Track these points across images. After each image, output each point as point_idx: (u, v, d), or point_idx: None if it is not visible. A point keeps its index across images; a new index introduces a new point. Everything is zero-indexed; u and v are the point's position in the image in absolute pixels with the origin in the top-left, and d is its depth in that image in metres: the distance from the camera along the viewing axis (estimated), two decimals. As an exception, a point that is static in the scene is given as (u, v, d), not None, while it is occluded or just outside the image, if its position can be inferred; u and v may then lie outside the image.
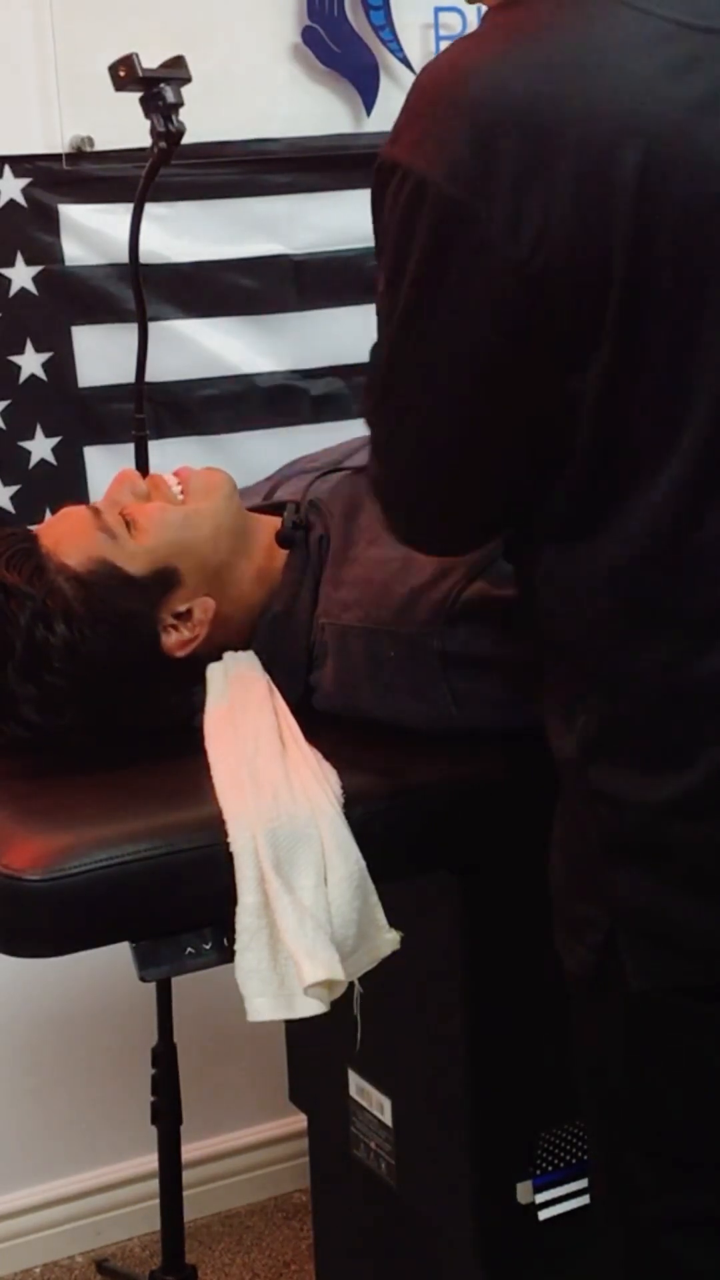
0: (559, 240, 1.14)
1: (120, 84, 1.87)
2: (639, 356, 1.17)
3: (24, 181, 2.18)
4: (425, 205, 1.17)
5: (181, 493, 1.71)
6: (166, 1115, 2.04)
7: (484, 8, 1.28)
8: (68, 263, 2.22)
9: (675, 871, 1.27)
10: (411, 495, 1.33)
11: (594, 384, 1.18)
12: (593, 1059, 1.40)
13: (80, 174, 2.20)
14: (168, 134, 1.86)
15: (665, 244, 1.15)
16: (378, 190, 1.23)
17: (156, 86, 1.85)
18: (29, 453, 2.24)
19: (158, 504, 1.69)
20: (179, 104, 1.86)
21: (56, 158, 2.19)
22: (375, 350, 1.29)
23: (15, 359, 2.22)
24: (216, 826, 1.48)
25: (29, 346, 2.22)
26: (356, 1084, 1.87)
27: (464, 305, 1.18)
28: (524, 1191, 1.71)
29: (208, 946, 1.49)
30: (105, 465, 2.24)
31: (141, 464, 2.00)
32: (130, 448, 2.02)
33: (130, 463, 2.00)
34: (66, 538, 1.66)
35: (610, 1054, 1.37)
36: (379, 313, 1.27)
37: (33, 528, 1.75)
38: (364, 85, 2.35)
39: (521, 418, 1.22)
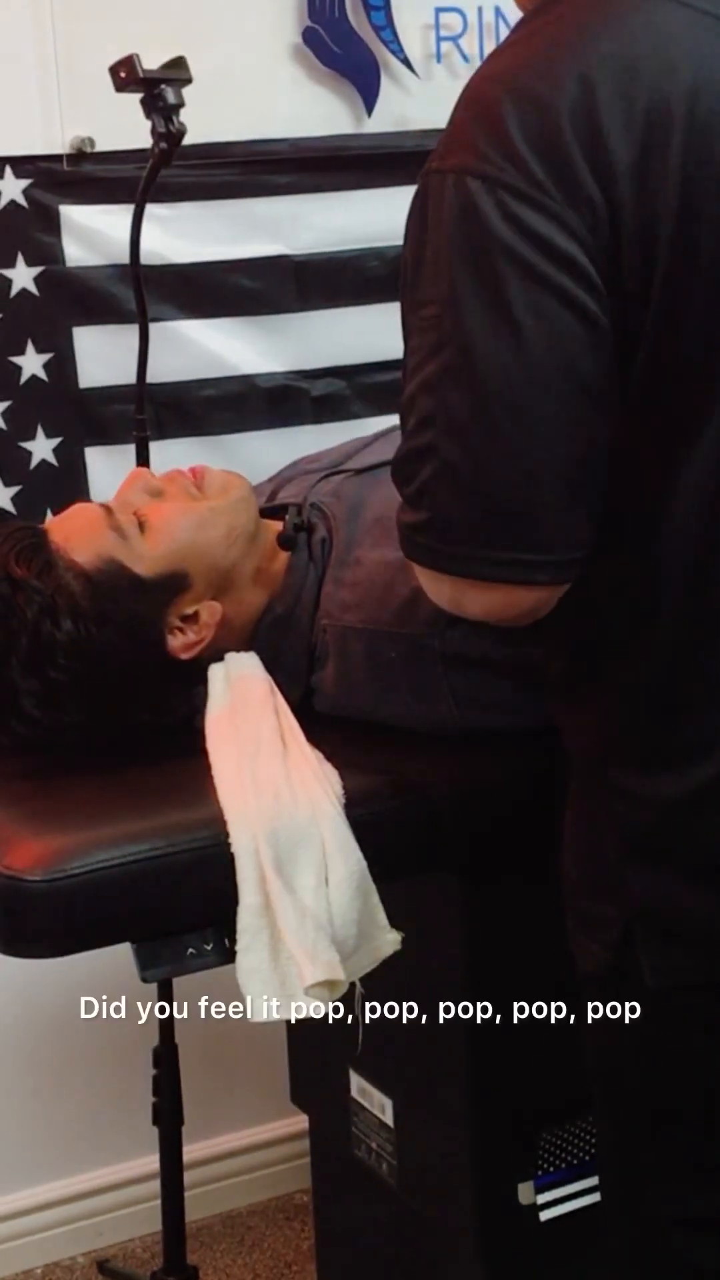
0: (621, 215, 1.15)
1: (121, 85, 1.87)
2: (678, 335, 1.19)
3: (25, 182, 2.18)
4: (488, 196, 1.16)
5: (197, 488, 1.71)
6: (168, 1116, 2.04)
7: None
8: (69, 263, 2.22)
9: (694, 867, 1.28)
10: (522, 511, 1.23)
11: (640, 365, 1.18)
12: (606, 1059, 1.40)
13: (81, 175, 2.20)
14: (168, 135, 1.86)
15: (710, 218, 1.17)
16: (423, 201, 1.22)
17: (157, 87, 1.85)
18: (30, 453, 2.24)
19: (173, 504, 1.69)
20: (180, 105, 1.86)
21: (57, 158, 2.19)
22: (449, 371, 1.20)
23: (16, 360, 2.22)
24: (218, 827, 1.48)
25: (30, 347, 2.22)
26: (358, 1084, 1.87)
27: (545, 289, 1.16)
28: (525, 1192, 1.71)
29: (209, 947, 1.49)
30: (106, 466, 2.24)
31: (142, 465, 2.00)
32: (131, 448, 2.02)
33: (131, 463, 2.00)
34: (77, 534, 1.65)
35: (624, 1053, 1.37)
36: (428, 329, 1.20)
37: (42, 524, 1.75)
38: (365, 86, 2.35)
39: (605, 402, 1.20)
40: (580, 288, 1.16)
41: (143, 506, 1.68)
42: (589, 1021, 1.40)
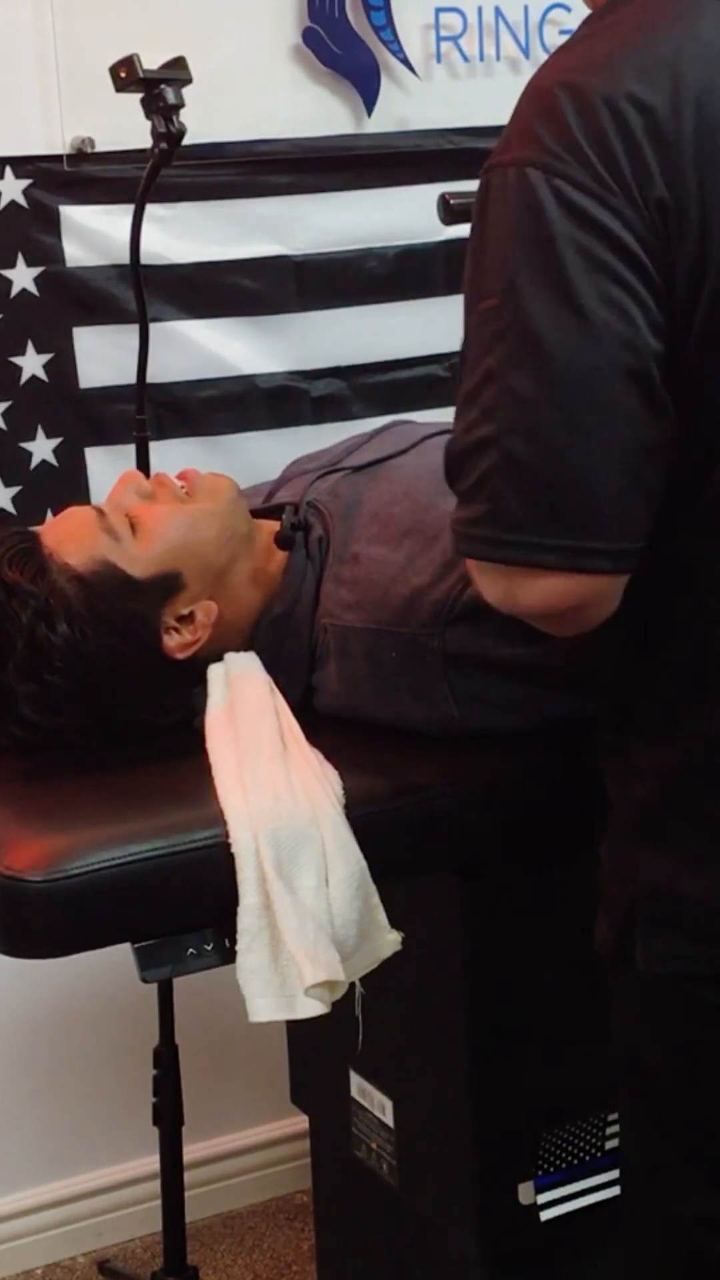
0: (680, 212, 1.17)
1: (121, 85, 1.87)
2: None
3: (25, 182, 2.18)
4: (547, 184, 1.17)
5: (186, 492, 1.71)
6: (168, 1116, 2.04)
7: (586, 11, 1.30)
8: (69, 264, 2.22)
9: (696, 850, 1.29)
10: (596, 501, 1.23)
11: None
12: (625, 1047, 1.40)
13: (81, 175, 2.20)
14: (168, 135, 1.86)
15: None
16: (484, 195, 1.22)
17: (157, 87, 1.85)
18: (30, 454, 2.24)
19: (164, 506, 1.69)
20: (180, 105, 1.86)
21: (57, 159, 2.19)
22: (513, 363, 1.20)
23: (16, 360, 2.22)
24: (218, 827, 1.48)
25: (30, 347, 2.22)
26: (358, 1085, 1.87)
27: (608, 276, 1.17)
28: (526, 1192, 1.71)
29: (209, 947, 1.49)
30: (106, 466, 2.24)
31: (142, 465, 1.99)
32: (131, 449, 2.02)
33: (131, 464, 2.00)
34: (69, 538, 1.66)
35: (641, 1041, 1.37)
36: (489, 321, 1.20)
37: (35, 528, 1.75)
38: (364, 86, 2.34)
39: (663, 391, 1.21)
40: (639, 280, 1.17)
41: (134, 508, 1.68)
42: (609, 1007, 1.41)
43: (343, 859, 1.49)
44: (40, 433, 2.24)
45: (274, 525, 1.75)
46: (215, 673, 1.68)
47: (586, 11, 1.29)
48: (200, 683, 1.67)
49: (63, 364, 2.24)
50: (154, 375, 2.03)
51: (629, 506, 1.21)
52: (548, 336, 1.17)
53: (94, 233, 2.22)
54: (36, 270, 2.20)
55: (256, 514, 1.79)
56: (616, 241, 1.16)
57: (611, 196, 1.16)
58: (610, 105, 1.16)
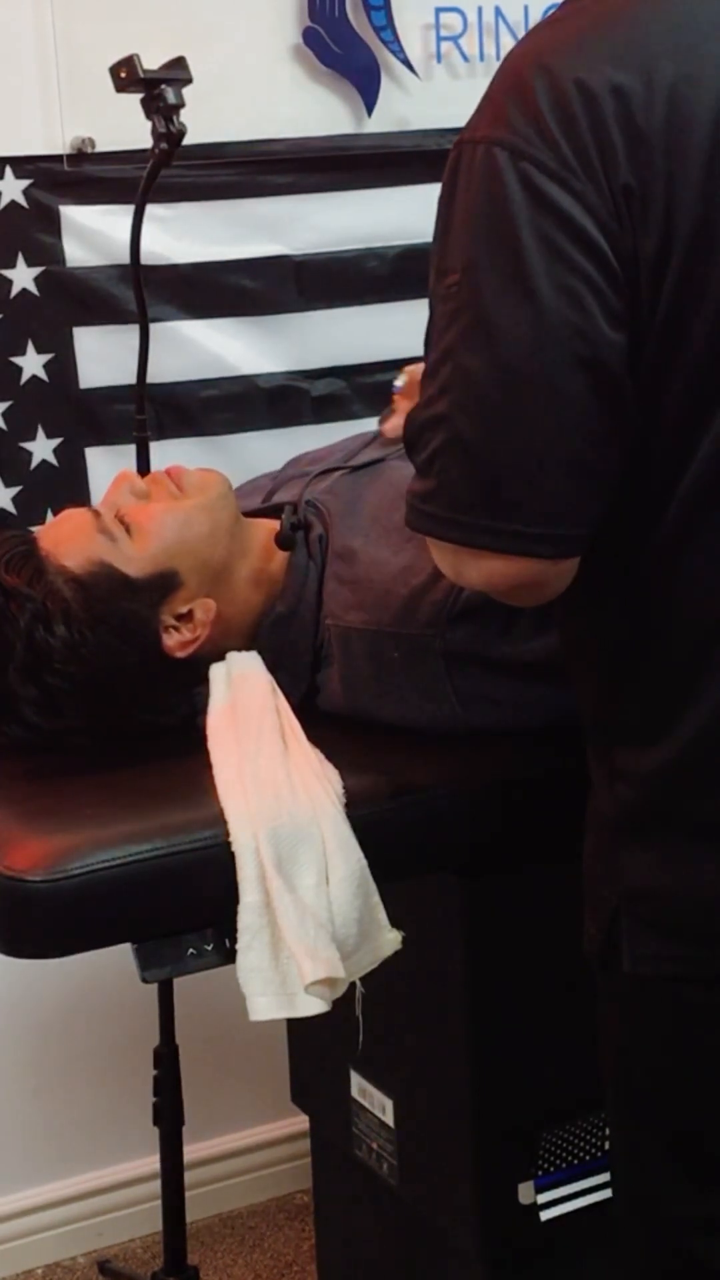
0: (646, 198, 1.16)
1: (121, 85, 1.87)
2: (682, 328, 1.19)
3: (25, 183, 2.18)
4: (513, 168, 1.17)
5: (177, 488, 1.71)
6: (168, 1116, 2.04)
7: None
8: (69, 264, 2.22)
9: (677, 848, 1.29)
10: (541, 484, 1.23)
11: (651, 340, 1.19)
12: (612, 1049, 1.40)
13: (81, 175, 2.20)
14: (169, 135, 1.86)
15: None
16: (453, 171, 1.22)
17: (157, 87, 1.85)
18: (30, 454, 2.24)
19: (157, 505, 1.69)
20: (180, 105, 1.86)
21: (58, 159, 2.19)
22: (473, 333, 1.20)
23: (16, 360, 2.22)
24: (218, 827, 1.48)
25: (30, 348, 2.22)
26: (358, 1084, 1.87)
27: (564, 263, 1.17)
28: (526, 1192, 1.71)
29: (209, 947, 1.49)
30: (107, 466, 2.24)
31: (143, 465, 2.00)
32: (132, 449, 2.02)
33: (132, 464, 2.00)
34: (66, 540, 1.66)
35: (628, 1043, 1.37)
36: (449, 298, 1.21)
37: (34, 529, 1.75)
38: (365, 86, 2.34)
39: (618, 382, 1.20)
40: (597, 269, 1.16)
41: (128, 508, 1.68)
42: (597, 1011, 1.41)
43: (343, 858, 1.49)
44: (40, 433, 2.24)
45: (273, 525, 1.75)
46: (217, 672, 1.68)
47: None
48: (202, 682, 1.67)
49: (63, 364, 2.24)
50: (154, 375, 2.03)
51: (574, 494, 1.21)
52: (499, 320, 1.17)
53: (94, 233, 2.22)
54: (36, 270, 2.20)
55: (256, 514, 1.79)
56: (577, 229, 1.16)
57: (576, 181, 1.15)
58: (582, 88, 1.16)
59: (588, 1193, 1.73)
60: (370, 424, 2.34)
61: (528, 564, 1.23)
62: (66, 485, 2.25)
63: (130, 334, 2.01)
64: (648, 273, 1.17)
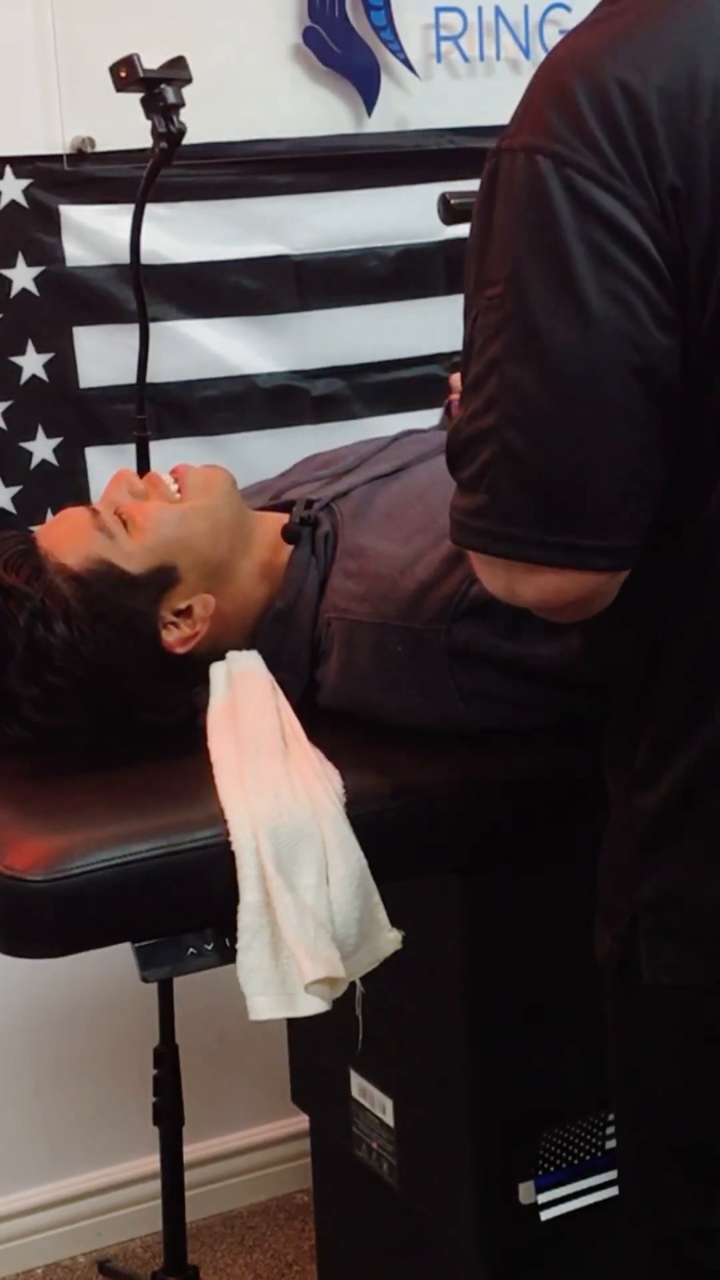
0: (692, 201, 1.15)
1: (121, 85, 1.87)
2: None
3: (25, 182, 2.18)
4: (557, 175, 1.15)
5: (178, 490, 1.71)
6: (168, 1116, 2.04)
7: None
8: (69, 263, 2.22)
9: (698, 859, 1.28)
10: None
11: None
12: (625, 1057, 1.40)
13: (81, 175, 2.20)
14: (169, 135, 1.86)
15: None
16: (491, 179, 1.20)
17: (157, 87, 1.85)
18: (30, 454, 2.24)
19: (154, 502, 1.69)
20: (180, 105, 1.86)
21: (57, 158, 2.19)
22: (520, 344, 1.18)
23: (16, 360, 2.22)
24: (218, 826, 1.48)
25: (30, 347, 2.22)
26: (358, 1084, 1.87)
27: (612, 269, 1.15)
28: (526, 1192, 1.71)
29: (209, 947, 1.49)
30: (107, 466, 2.24)
31: (143, 465, 2.00)
32: (131, 448, 2.02)
33: (132, 464, 2.00)
34: (64, 538, 1.66)
35: (642, 1052, 1.37)
36: (493, 310, 1.19)
37: (34, 529, 1.75)
38: (365, 86, 2.34)
39: (669, 389, 1.19)
40: (646, 273, 1.15)
41: (126, 505, 1.68)
42: (608, 1019, 1.40)
43: (343, 857, 1.49)
44: (40, 433, 2.24)
45: (282, 519, 1.74)
46: (217, 671, 1.68)
47: (587, 11, 1.27)
48: (202, 681, 1.67)
49: (63, 364, 2.24)
50: (154, 375, 2.03)
51: (627, 504, 1.20)
52: (548, 330, 1.16)
53: (94, 233, 2.22)
54: (36, 270, 2.20)
55: (266, 509, 1.79)
56: (624, 234, 1.14)
57: (621, 184, 1.14)
58: (625, 89, 1.14)
59: (588, 1193, 1.73)
60: (370, 424, 2.35)
61: (584, 577, 1.22)
62: (66, 485, 2.25)
63: (130, 334, 2.01)
64: (696, 274, 1.16)
